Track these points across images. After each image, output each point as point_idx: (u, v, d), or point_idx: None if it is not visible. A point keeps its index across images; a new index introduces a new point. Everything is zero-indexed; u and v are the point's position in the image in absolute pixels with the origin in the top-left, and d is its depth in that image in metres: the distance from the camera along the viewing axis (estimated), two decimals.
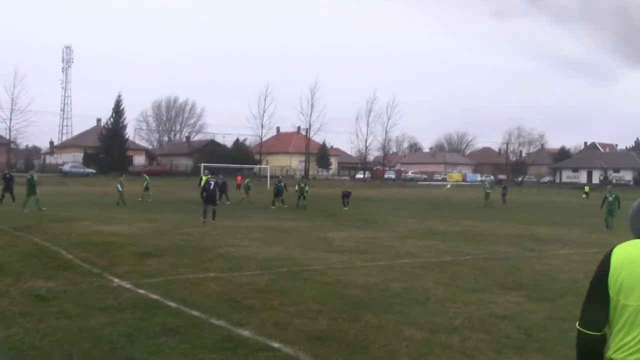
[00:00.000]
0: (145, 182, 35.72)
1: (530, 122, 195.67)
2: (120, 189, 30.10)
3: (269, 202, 32.95)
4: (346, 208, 31.22)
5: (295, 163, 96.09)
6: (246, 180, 38.91)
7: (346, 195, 33.00)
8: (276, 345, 6.39)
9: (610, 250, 2.69)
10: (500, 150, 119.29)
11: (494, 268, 12.30)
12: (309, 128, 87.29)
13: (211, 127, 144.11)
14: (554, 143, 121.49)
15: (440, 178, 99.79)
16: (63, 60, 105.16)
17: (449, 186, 77.88)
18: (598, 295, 2.64)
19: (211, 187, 21.11)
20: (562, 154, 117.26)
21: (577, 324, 2.69)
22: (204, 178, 31.25)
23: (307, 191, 32.90)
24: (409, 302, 8.77)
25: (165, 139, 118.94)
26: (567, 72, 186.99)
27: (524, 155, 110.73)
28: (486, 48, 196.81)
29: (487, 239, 18.10)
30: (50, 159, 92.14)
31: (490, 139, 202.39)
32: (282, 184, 33.71)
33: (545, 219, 28.39)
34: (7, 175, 28.83)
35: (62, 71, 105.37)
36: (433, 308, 8.42)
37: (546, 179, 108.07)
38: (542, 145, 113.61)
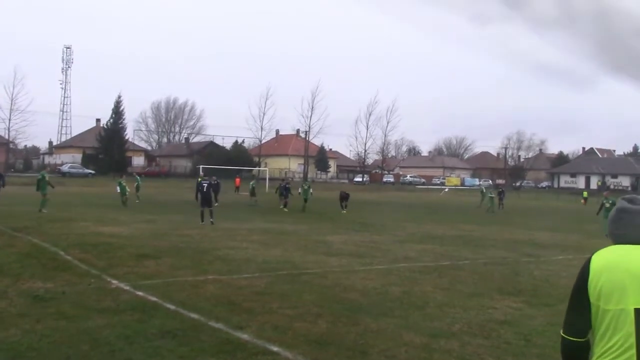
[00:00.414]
0: (137, 183, 35.49)
1: (529, 127, 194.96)
2: (119, 191, 30.19)
3: (275, 204, 32.83)
4: (344, 211, 31.07)
5: (294, 165, 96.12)
6: (251, 183, 38.29)
7: (344, 198, 32.51)
8: (275, 349, 6.37)
9: (589, 257, 2.72)
10: (498, 154, 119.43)
11: (493, 273, 12.30)
12: (309, 131, 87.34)
13: (210, 129, 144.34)
14: (552, 148, 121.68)
15: (438, 182, 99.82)
16: (63, 60, 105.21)
17: (447, 190, 77.94)
18: (579, 302, 2.67)
19: (204, 189, 21.09)
20: (560, 159, 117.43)
21: (561, 331, 2.73)
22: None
23: (311, 193, 32.83)
24: (408, 306, 8.76)
25: (165, 140, 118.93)
26: (562, 78, 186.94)
27: (522, 160, 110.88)
28: (487, 54, 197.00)
29: (486, 244, 18.10)
30: (49, 159, 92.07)
31: (488, 144, 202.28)
32: (289, 187, 33.55)
33: (544, 224, 28.39)
34: None
35: (62, 71, 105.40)
36: (432, 313, 8.40)
37: (544, 184, 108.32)
38: (541, 150, 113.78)
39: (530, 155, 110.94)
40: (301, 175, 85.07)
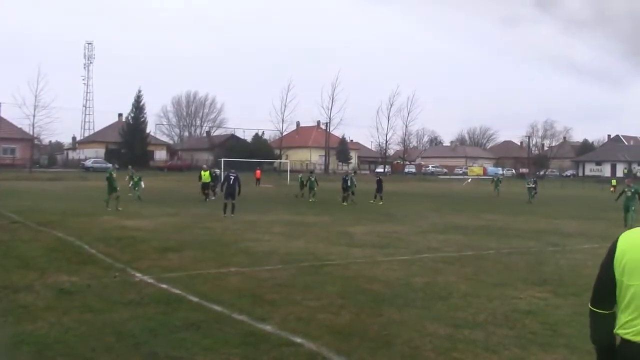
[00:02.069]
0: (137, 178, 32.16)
1: (553, 115, 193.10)
2: (130, 186, 30.03)
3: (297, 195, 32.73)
4: (377, 202, 30.92)
5: (315, 157, 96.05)
6: (300, 176, 38.53)
7: (378, 183, 32.43)
8: (299, 340, 6.36)
9: (617, 237, 2.94)
10: (522, 143, 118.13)
11: (518, 263, 12.17)
12: (329, 122, 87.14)
13: (231, 122, 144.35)
14: (576, 136, 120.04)
15: (461, 172, 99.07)
16: (85, 56, 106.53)
17: (469, 180, 77.34)
18: (606, 277, 2.89)
19: (231, 181, 21.08)
20: (585, 147, 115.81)
21: (589, 303, 2.97)
22: (204, 173, 31.22)
23: (355, 185, 32.08)
24: (432, 297, 8.70)
25: (186, 134, 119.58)
26: (586, 71, 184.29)
27: (546, 148, 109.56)
28: (502, 49, 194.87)
29: (510, 233, 17.93)
30: (72, 155, 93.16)
31: (512, 133, 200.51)
32: (313, 179, 33.70)
33: (569, 213, 28.07)
34: None
35: (84, 67, 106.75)
36: (456, 303, 8.34)
37: (569, 172, 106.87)
38: (565, 138, 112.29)
39: (555, 143, 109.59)
40: (322, 167, 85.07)
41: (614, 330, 2.86)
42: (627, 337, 2.78)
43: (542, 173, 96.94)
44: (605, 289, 2.90)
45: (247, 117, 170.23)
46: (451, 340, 6.51)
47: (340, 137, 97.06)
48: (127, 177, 31.58)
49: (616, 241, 2.92)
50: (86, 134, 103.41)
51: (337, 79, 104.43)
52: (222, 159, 60.62)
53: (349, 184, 31.23)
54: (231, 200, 21.00)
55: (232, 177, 21.22)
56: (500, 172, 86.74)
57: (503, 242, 15.76)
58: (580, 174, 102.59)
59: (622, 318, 2.83)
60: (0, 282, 9.01)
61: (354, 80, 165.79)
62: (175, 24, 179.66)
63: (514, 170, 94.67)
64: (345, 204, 30.17)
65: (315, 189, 33.61)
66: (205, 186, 31.33)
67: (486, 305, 8.19)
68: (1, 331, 6.58)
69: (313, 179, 33.87)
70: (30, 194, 32.50)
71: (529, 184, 38.73)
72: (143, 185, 31.42)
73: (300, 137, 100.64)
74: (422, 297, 8.68)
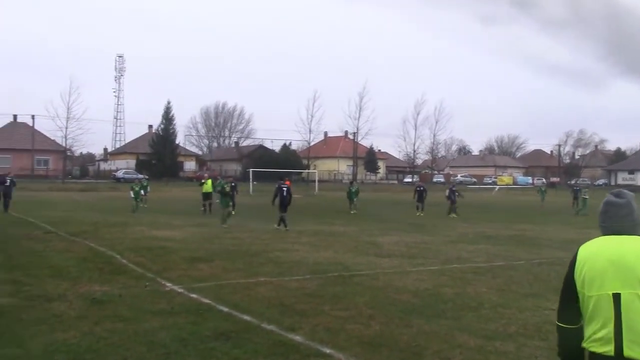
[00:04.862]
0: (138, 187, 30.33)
1: (583, 124, 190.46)
2: (132, 196, 28.63)
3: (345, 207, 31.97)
4: (419, 213, 29.89)
5: (342, 167, 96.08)
6: (355, 187, 33.46)
7: (420, 194, 30.54)
8: (328, 350, 6.35)
9: (577, 249, 2.94)
10: (552, 152, 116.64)
11: (549, 273, 11.99)
12: (357, 132, 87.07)
13: (259, 132, 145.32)
14: (608, 145, 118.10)
15: (490, 181, 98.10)
16: (116, 69, 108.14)
17: (497, 189, 76.54)
18: (569, 290, 2.90)
19: (284, 192, 20.60)
20: (618, 156, 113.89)
21: (555, 319, 2.97)
22: (209, 182, 28.61)
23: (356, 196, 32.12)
24: (462, 307, 8.62)
25: (215, 144, 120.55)
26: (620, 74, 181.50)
27: (577, 157, 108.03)
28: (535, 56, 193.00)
29: (541, 244, 17.69)
30: (104, 166, 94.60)
31: (542, 142, 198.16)
32: (354, 189, 32.22)
33: None
34: (5, 181, 26.03)
35: (115, 80, 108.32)
36: (486, 314, 8.24)
37: (601, 181, 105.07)
38: (596, 147, 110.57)
39: (586, 152, 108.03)
40: (350, 177, 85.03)
41: (582, 344, 2.82)
42: (593, 349, 2.74)
43: (573, 182, 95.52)
44: (569, 303, 2.89)
45: (275, 127, 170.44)
46: (482, 351, 6.44)
47: (368, 147, 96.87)
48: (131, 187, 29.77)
49: (576, 254, 2.91)
50: (117, 145, 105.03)
51: (364, 88, 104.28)
52: (251, 169, 61.02)
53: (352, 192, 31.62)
54: (283, 213, 20.44)
55: (285, 189, 20.82)
56: (543, 181, 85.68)
57: (534, 252, 15.55)
58: (613, 182, 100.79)
59: (587, 331, 2.79)
60: (35, 291, 9.19)
61: (382, 89, 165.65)
62: (203, 36, 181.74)
63: (544, 180, 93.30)
64: (352, 212, 30.48)
65: (355, 200, 32.03)
66: (206, 196, 28.34)
67: (517, 317, 8.09)
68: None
69: (353, 190, 32.32)
70: (63, 204, 33.05)
71: (584, 195, 35.50)
72: (143, 193, 30.59)
73: (328, 147, 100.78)
74: (452, 307, 8.60)
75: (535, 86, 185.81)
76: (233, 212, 23.96)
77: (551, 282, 10.84)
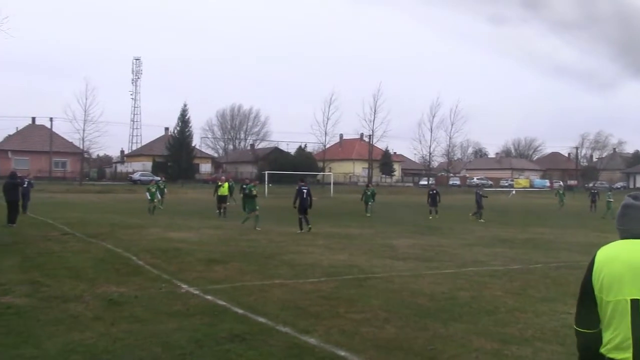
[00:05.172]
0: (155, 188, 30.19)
1: (601, 127, 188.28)
2: (148, 197, 28.59)
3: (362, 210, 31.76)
4: (433, 216, 29.93)
5: (358, 170, 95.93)
6: (371, 190, 33.25)
7: (432, 197, 30.59)
8: (343, 353, 6.33)
9: (595, 253, 2.87)
10: (569, 155, 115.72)
11: (566, 277, 11.86)
12: (372, 134, 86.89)
13: (275, 135, 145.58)
14: (627, 147, 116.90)
15: (506, 184, 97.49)
16: (132, 71, 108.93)
17: (514, 192, 76.02)
18: (586, 295, 2.83)
19: (304, 195, 20.50)
20: (636, 159, 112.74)
21: (573, 324, 2.90)
22: (226, 185, 28.43)
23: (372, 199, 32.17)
24: (478, 311, 8.56)
25: (231, 147, 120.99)
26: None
27: (594, 160, 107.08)
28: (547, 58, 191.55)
29: (558, 247, 17.53)
30: (121, 168, 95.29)
31: (559, 144, 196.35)
32: (370, 193, 32.12)
33: None
34: (24, 182, 24.01)
35: (132, 82, 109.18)
36: (503, 318, 8.18)
37: (619, 184, 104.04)
38: (615, 149, 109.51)
39: (604, 155, 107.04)
40: (366, 179, 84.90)
41: (599, 350, 2.75)
42: (611, 355, 2.68)
43: (591, 185, 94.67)
44: (587, 307, 2.82)
45: (290, 129, 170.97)
46: (498, 356, 6.39)
47: (384, 150, 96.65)
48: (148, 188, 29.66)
49: (594, 257, 2.84)
50: (134, 148, 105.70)
51: (378, 90, 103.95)
52: (266, 172, 61.16)
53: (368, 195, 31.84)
54: (304, 215, 20.44)
55: (305, 191, 20.69)
56: (561, 183, 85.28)
57: (551, 255, 15.42)
58: (631, 185, 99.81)
59: (605, 336, 2.73)
60: (52, 292, 9.26)
61: (397, 91, 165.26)
62: (219, 38, 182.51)
63: (561, 182, 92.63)
64: (368, 215, 30.53)
65: (371, 203, 31.87)
66: (222, 199, 27.92)
67: (534, 321, 8.02)
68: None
69: (369, 193, 32.29)
70: (80, 206, 33.34)
71: (609, 198, 35.07)
72: (160, 195, 30.71)
73: (344, 149, 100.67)
74: (468, 311, 8.55)
75: (553, 88, 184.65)
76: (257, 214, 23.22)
77: (568, 286, 10.72)
